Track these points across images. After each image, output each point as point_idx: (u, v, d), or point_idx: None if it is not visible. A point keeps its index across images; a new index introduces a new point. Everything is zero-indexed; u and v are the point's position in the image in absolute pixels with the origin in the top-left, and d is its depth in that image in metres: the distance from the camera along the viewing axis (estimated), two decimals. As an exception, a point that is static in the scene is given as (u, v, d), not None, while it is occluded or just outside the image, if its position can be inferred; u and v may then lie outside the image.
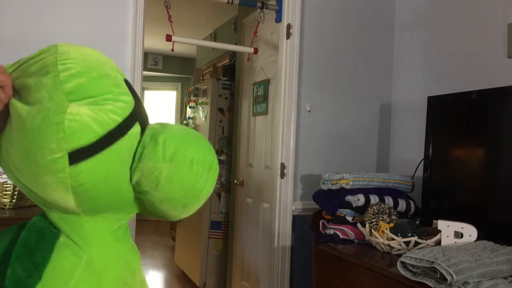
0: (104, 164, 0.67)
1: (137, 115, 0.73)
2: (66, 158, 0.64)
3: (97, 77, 0.69)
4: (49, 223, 0.74)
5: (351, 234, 1.78)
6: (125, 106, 0.71)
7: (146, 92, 7.18)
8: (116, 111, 0.69)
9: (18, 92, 0.69)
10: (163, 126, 0.75)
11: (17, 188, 1.63)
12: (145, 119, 0.76)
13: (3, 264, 0.68)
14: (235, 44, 3.66)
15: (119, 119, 0.69)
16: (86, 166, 0.66)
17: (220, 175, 3.63)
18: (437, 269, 1.17)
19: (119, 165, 0.70)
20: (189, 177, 0.71)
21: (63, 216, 0.73)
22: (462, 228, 1.42)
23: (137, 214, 0.85)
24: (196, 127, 4.06)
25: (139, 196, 0.73)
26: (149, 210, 0.76)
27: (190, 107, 4.20)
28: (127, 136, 0.70)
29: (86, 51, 0.72)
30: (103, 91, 0.69)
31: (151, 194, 0.71)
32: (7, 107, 0.69)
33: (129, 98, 0.73)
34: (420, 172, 1.98)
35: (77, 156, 0.65)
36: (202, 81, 4.15)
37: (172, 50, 2.44)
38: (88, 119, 0.65)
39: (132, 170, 0.71)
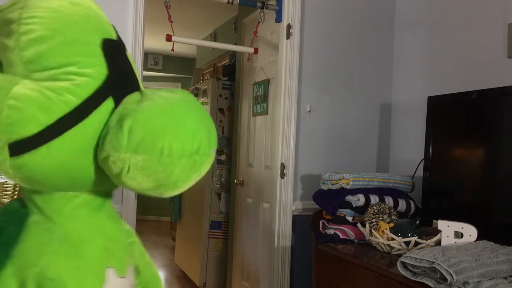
0: (54, 154, 0.60)
1: (111, 89, 0.63)
2: (6, 150, 0.58)
3: (61, 44, 0.60)
4: (18, 206, 0.71)
5: (351, 234, 1.78)
6: (89, 81, 0.60)
7: (146, 92, 7.18)
8: (73, 90, 0.59)
9: None
10: (140, 101, 0.62)
11: (17, 188, 1.63)
12: (125, 90, 0.65)
13: None
14: (235, 44, 3.66)
15: (75, 101, 0.59)
16: (31, 158, 0.59)
17: (220, 175, 3.63)
18: (437, 269, 1.17)
19: (76, 153, 0.61)
20: (159, 169, 0.60)
21: (35, 191, 0.69)
22: (462, 228, 1.42)
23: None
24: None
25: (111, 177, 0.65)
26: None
27: (190, 107, 4.19)
28: (89, 120, 0.60)
29: (60, 4, 0.61)
30: (65, 61, 0.60)
31: (118, 182, 0.63)
32: None
33: (100, 69, 0.62)
34: (420, 172, 1.98)
35: (18, 148, 0.58)
36: (202, 81, 4.15)
37: (172, 50, 2.44)
38: (33, 106, 0.57)
39: (98, 153, 0.62)
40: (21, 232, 0.66)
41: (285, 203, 2.28)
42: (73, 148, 0.60)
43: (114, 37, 0.67)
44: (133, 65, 0.72)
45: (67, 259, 0.66)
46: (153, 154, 0.58)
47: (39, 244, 0.65)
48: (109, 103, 0.62)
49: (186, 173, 0.62)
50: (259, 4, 2.42)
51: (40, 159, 0.59)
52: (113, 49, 0.65)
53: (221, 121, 3.71)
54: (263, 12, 2.50)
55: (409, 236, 1.56)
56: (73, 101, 0.59)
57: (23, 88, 0.57)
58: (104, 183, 0.67)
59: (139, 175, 0.60)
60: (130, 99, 0.63)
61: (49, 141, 0.58)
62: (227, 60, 4.49)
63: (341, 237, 1.78)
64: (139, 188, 0.63)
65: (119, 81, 0.64)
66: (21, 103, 0.57)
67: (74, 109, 0.59)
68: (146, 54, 6.54)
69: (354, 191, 1.86)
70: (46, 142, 0.58)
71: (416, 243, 1.53)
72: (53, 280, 0.63)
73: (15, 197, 1.63)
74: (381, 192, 1.91)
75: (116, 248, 0.74)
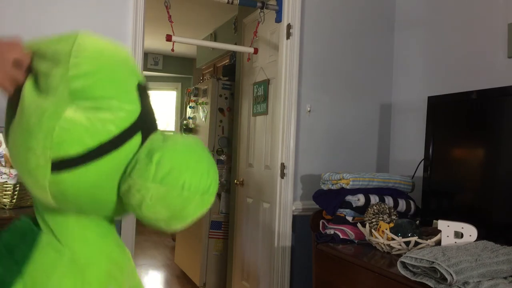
0: (89, 175, 0.65)
1: (140, 125, 0.69)
2: (49, 166, 0.63)
3: (105, 80, 0.66)
4: (30, 223, 0.74)
5: (351, 234, 1.78)
6: (126, 116, 0.67)
7: (146, 92, 7.18)
8: (114, 121, 0.66)
9: (33, 74, 0.67)
10: (164, 140, 0.70)
11: (17, 188, 1.63)
12: (150, 128, 0.72)
13: None
14: (235, 44, 3.66)
15: (115, 131, 0.66)
16: (69, 176, 0.64)
17: (220, 175, 3.63)
18: (437, 269, 1.17)
19: (106, 177, 0.67)
20: (177, 202, 0.67)
21: (50, 209, 0.73)
22: (462, 228, 1.42)
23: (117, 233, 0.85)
24: (196, 127, 4.06)
25: (126, 205, 0.71)
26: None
27: (190, 107, 4.20)
28: (123, 148, 0.67)
29: (104, 46, 0.69)
30: (108, 95, 0.66)
31: (135, 209, 0.69)
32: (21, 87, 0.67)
33: (135, 106, 0.69)
34: (420, 172, 1.98)
35: (61, 165, 0.63)
36: (202, 81, 4.15)
37: (172, 50, 2.44)
38: (81, 129, 0.63)
39: (122, 180, 0.69)
40: (32, 252, 0.69)
41: (285, 203, 2.28)
42: (105, 172, 0.66)
43: (143, 81, 0.75)
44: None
45: (73, 280, 0.70)
46: (176, 187, 0.66)
47: (49, 265, 0.69)
48: (138, 138, 0.69)
49: (197, 208, 0.70)
50: (259, 4, 2.42)
51: (76, 178, 0.64)
52: (144, 91, 0.73)
53: (221, 121, 3.71)
54: (263, 12, 2.50)
55: (409, 236, 1.56)
56: (114, 130, 0.65)
57: (73, 113, 0.63)
58: (118, 211, 0.73)
59: (158, 206, 0.66)
60: (156, 137, 0.71)
61: (89, 162, 0.64)
62: (227, 60, 4.49)
63: (341, 237, 1.78)
64: (152, 218, 0.68)
65: (147, 119, 0.71)
66: (71, 126, 0.62)
67: (113, 138, 0.65)
68: (146, 54, 6.54)
69: (354, 191, 1.86)
70: (86, 163, 0.64)
71: (416, 243, 1.53)
72: None
73: (15, 197, 1.63)
74: (381, 192, 1.91)
75: (118, 272, 0.79)
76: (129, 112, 0.68)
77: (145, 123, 0.71)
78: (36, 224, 0.74)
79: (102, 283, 0.74)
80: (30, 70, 0.68)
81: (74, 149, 0.63)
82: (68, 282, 0.69)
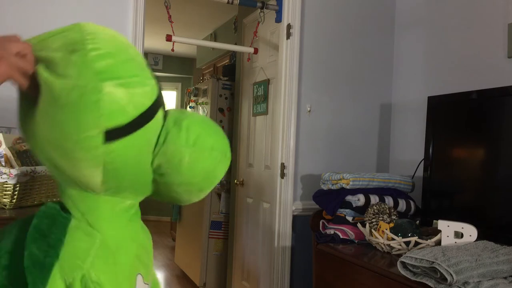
0: (133, 144, 0.70)
1: (161, 100, 0.75)
2: (101, 136, 0.66)
3: (125, 60, 0.70)
4: (59, 209, 0.75)
5: (351, 234, 1.78)
6: (151, 90, 0.72)
7: (146, 92, 7.18)
8: (145, 94, 0.70)
9: (43, 63, 0.68)
10: (183, 112, 0.78)
11: (17, 188, 1.62)
12: (165, 105, 0.78)
13: (15, 256, 0.69)
14: (235, 44, 3.66)
15: (148, 102, 0.70)
16: (119, 145, 0.68)
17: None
18: (437, 269, 1.17)
19: (146, 146, 0.72)
20: (208, 163, 0.75)
21: (82, 193, 0.74)
22: (462, 228, 1.43)
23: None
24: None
25: (159, 178, 0.75)
26: (163, 192, 0.78)
27: (190, 107, 4.20)
28: (154, 120, 0.72)
29: (112, 32, 0.73)
30: (131, 73, 0.69)
31: (172, 176, 0.74)
32: (32, 77, 0.68)
33: (154, 82, 0.74)
34: (420, 172, 1.98)
35: (112, 135, 0.67)
36: (202, 81, 4.15)
37: (172, 50, 2.44)
38: (123, 100, 0.66)
39: (155, 153, 0.74)
40: (65, 236, 0.71)
41: (285, 203, 2.28)
42: (145, 141, 0.71)
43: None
44: None
45: (106, 264, 0.72)
46: (206, 149, 0.74)
47: (82, 249, 0.71)
48: (161, 111, 0.75)
49: (223, 168, 0.78)
50: (259, 4, 2.42)
51: (124, 146, 0.69)
52: (152, 70, 0.78)
53: (221, 121, 3.71)
54: (263, 12, 2.50)
55: (409, 236, 1.56)
56: (147, 102, 0.70)
57: (111, 88, 0.66)
58: (149, 186, 0.78)
59: (194, 167, 0.73)
60: (174, 111, 0.78)
61: (134, 131, 0.68)
62: (227, 60, 4.49)
63: (341, 237, 1.78)
64: (189, 181, 0.75)
65: (162, 95, 0.77)
66: (115, 97, 0.66)
67: (148, 109, 0.70)
68: (146, 54, 6.55)
69: (354, 191, 1.86)
70: (132, 132, 0.68)
71: (416, 243, 1.53)
72: (96, 283, 0.69)
73: (15, 197, 1.63)
74: (381, 192, 1.91)
75: (145, 256, 0.82)
76: (153, 87, 0.73)
77: (163, 98, 0.77)
78: (66, 211, 0.75)
79: (132, 267, 0.77)
80: (35, 62, 0.69)
81: (122, 119, 0.67)
82: (102, 266, 0.71)
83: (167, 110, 0.78)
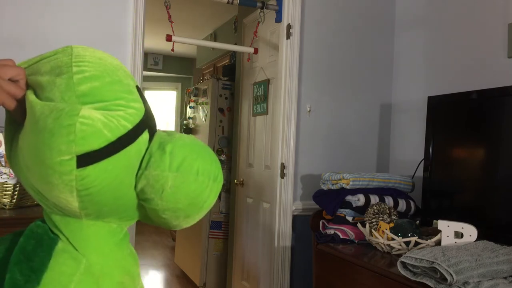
0: (111, 169, 0.68)
1: (147, 123, 0.73)
2: (74, 161, 0.64)
3: (110, 82, 0.69)
4: (47, 229, 0.74)
5: (351, 234, 1.78)
6: (135, 113, 0.71)
7: (146, 92, 7.19)
8: (126, 117, 0.69)
9: (32, 88, 0.69)
10: (170, 135, 0.75)
11: (17, 188, 1.63)
12: (153, 127, 0.76)
13: (1, 271, 0.69)
14: (235, 44, 3.66)
15: (129, 125, 0.69)
16: (93, 170, 0.66)
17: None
18: (437, 269, 1.17)
19: (126, 171, 0.70)
20: (194, 187, 0.72)
21: (65, 218, 0.73)
22: (462, 228, 1.43)
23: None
24: (196, 127, 4.06)
25: (143, 203, 0.73)
26: (151, 218, 0.76)
27: (190, 107, 4.20)
28: (136, 143, 0.70)
29: (101, 55, 0.72)
30: (115, 96, 0.69)
31: (155, 202, 0.71)
32: (24, 102, 0.68)
33: (140, 105, 0.73)
34: (420, 172, 1.98)
35: (85, 159, 0.65)
36: (202, 81, 4.15)
37: (172, 50, 2.44)
38: (99, 123, 0.65)
39: (138, 177, 0.72)
40: (49, 260, 0.70)
41: (285, 203, 2.28)
42: (124, 165, 0.69)
43: (137, 84, 0.79)
44: None
45: None
46: (191, 173, 0.71)
47: (66, 274, 0.70)
48: (146, 134, 0.73)
49: (211, 194, 0.75)
50: (259, 4, 2.42)
51: (100, 171, 0.67)
52: (141, 93, 0.77)
53: (221, 121, 3.71)
54: (263, 12, 2.50)
55: (409, 236, 1.56)
56: (127, 126, 0.69)
57: (89, 111, 0.65)
58: (135, 212, 0.77)
59: (178, 193, 0.71)
60: (161, 133, 0.77)
61: (110, 156, 0.67)
62: (227, 60, 4.49)
63: (341, 237, 1.78)
64: (172, 207, 0.72)
65: (150, 117, 0.76)
66: (90, 121, 0.64)
67: (128, 132, 0.69)
68: (146, 54, 6.54)
69: (354, 191, 1.86)
70: (108, 157, 0.67)
71: (416, 243, 1.53)
72: None
73: (15, 197, 1.63)
74: (381, 192, 1.91)
75: (130, 283, 0.80)
76: (137, 110, 0.71)
77: (149, 121, 0.75)
78: (52, 231, 0.75)
79: None
80: (26, 86, 0.70)
81: (96, 143, 0.65)
82: None
83: (156, 133, 0.76)
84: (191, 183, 0.71)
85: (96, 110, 0.66)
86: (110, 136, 0.66)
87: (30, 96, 0.67)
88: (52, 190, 0.68)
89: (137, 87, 0.77)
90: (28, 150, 0.68)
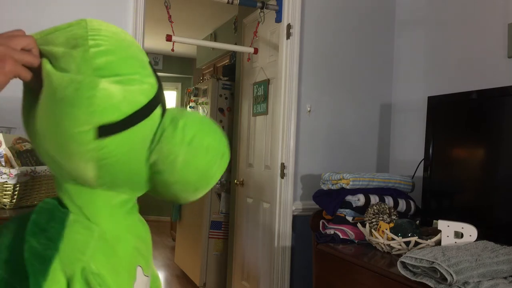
0: (127, 141, 0.70)
1: (160, 98, 0.75)
2: (94, 132, 0.66)
3: (125, 57, 0.71)
4: (57, 204, 0.76)
5: (351, 234, 1.78)
6: (150, 88, 0.72)
7: (146, 92, 7.18)
8: (142, 92, 0.71)
9: (46, 57, 0.69)
10: (182, 111, 0.77)
11: (17, 188, 1.62)
12: (165, 103, 0.78)
13: (15, 251, 0.69)
14: (235, 44, 3.66)
15: (144, 100, 0.71)
16: (111, 142, 0.68)
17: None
18: (437, 269, 1.17)
19: (140, 144, 0.72)
20: (203, 163, 0.74)
21: (78, 188, 0.75)
22: (462, 228, 1.42)
23: (138, 213, 0.86)
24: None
25: (154, 175, 0.76)
26: (160, 190, 0.79)
27: (190, 107, 4.20)
28: (150, 118, 0.72)
29: (115, 30, 0.73)
30: (131, 71, 0.70)
31: (166, 175, 0.74)
32: (37, 71, 0.69)
33: (154, 80, 0.74)
34: (420, 172, 1.98)
35: (104, 131, 0.67)
36: (202, 81, 4.15)
37: (172, 50, 2.44)
38: (118, 97, 0.67)
39: (150, 150, 0.74)
40: (63, 230, 0.71)
41: (285, 203, 2.28)
42: (139, 139, 0.71)
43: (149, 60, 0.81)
44: None
45: (105, 257, 0.72)
46: (201, 149, 0.74)
47: (81, 241, 0.71)
48: (159, 109, 0.75)
49: (219, 169, 0.77)
50: (259, 4, 2.42)
51: (117, 143, 0.69)
52: (153, 68, 0.78)
53: (221, 121, 3.71)
54: (263, 12, 2.50)
55: (409, 236, 1.56)
56: (143, 100, 0.70)
57: (107, 84, 0.66)
58: (146, 183, 0.78)
59: (188, 167, 0.73)
60: (173, 109, 0.78)
61: (127, 128, 0.69)
62: (227, 60, 4.49)
63: (341, 237, 1.78)
64: (183, 181, 0.74)
65: (162, 93, 0.77)
66: (109, 94, 0.66)
67: (143, 106, 0.70)
68: (146, 54, 6.53)
69: (354, 191, 1.86)
70: (125, 129, 0.69)
71: (416, 243, 1.53)
72: (96, 275, 0.69)
73: (15, 197, 1.63)
74: (381, 192, 1.91)
75: (144, 248, 0.83)
76: (151, 85, 0.73)
77: (162, 96, 0.77)
78: (63, 206, 0.76)
79: (132, 259, 0.78)
80: (40, 56, 0.70)
81: (115, 116, 0.67)
82: (101, 258, 0.71)
83: (167, 109, 0.78)
84: (202, 157, 0.74)
85: (113, 83, 0.67)
86: (127, 109, 0.68)
87: (47, 65, 0.67)
88: (70, 159, 0.70)
89: (149, 62, 0.78)
90: (46, 119, 0.69)
